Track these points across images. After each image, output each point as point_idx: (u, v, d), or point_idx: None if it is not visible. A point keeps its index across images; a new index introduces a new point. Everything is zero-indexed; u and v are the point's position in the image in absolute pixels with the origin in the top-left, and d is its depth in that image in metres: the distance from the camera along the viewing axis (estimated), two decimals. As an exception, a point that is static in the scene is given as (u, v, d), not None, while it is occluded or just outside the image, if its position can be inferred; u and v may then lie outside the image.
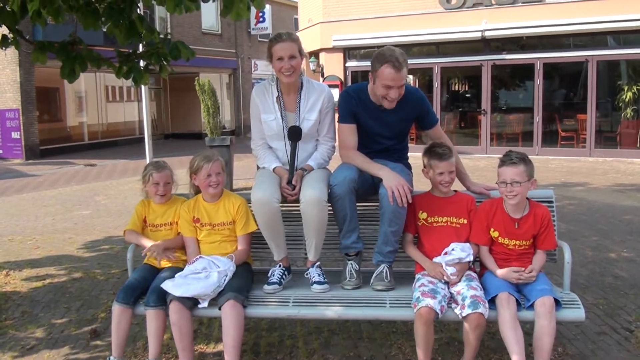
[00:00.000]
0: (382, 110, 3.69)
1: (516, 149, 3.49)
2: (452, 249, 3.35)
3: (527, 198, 3.39)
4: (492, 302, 3.16)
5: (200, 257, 3.49)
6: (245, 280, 3.49)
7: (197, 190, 3.72)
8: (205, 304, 3.31)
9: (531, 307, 3.15)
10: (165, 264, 3.63)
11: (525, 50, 16.08)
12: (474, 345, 3.15)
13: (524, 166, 3.26)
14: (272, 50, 3.65)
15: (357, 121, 3.73)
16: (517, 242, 3.35)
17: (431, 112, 3.85)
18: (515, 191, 3.24)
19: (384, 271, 3.50)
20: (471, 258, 3.34)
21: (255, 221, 3.58)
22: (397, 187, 3.34)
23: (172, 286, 3.28)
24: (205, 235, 3.63)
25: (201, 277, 3.32)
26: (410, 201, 3.39)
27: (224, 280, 3.36)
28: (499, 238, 3.38)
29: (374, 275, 3.52)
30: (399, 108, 3.67)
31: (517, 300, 3.16)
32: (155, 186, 3.71)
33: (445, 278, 3.28)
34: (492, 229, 3.39)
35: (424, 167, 3.58)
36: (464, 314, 3.10)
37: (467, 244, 3.39)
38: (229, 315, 3.20)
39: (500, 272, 3.29)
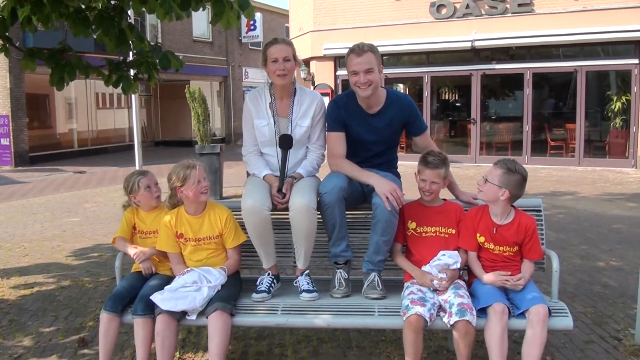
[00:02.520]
0: (370, 115, 3.71)
1: (505, 158, 3.50)
2: (442, 255, 3.36)
3: (512, 206, 3.41)
4: (482, 310, 3.15)
5: (191, 269, 3.43)
6: (234, 288, 3.47)
7: (174, 204, 3.61)
8: (194, 317, 3.27)
9: (521, 315, 3.15)
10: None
11: (514, 60, 16.23)
12: (465, 355, 3.11)
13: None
14: (267, 53, 3.67)
15: (346, 129, 3.74)
16: (502, 248, 3.36)
17: (420, 119, 3.85)
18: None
19: (376, 279, 3.49)
20: (458, 265, 3.35)
21: (244, 230, 3.56)
22: (389, 192, 3.35)
23: (161, 300, 3.22)
24: (190, 251, 3.54)
25: (191, 290, 3.26)
26: (404, 203, 3.41)
27: (214, 292, 3.33)
28: (485, 243, 3.39)
29: (366, 283, 3.51)
30: (386, 112, 3.69)
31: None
32: (149, 190, 3.67)
33: (435, 283, 3.28)
34: (478, 234, 3.40)
35: (416, 171, 3.59)
36: (451, 322, 3.09)
37: (456, 252, 3.40)
38: (215, 324, 3.17)
39: (487, 277, 3.29)
